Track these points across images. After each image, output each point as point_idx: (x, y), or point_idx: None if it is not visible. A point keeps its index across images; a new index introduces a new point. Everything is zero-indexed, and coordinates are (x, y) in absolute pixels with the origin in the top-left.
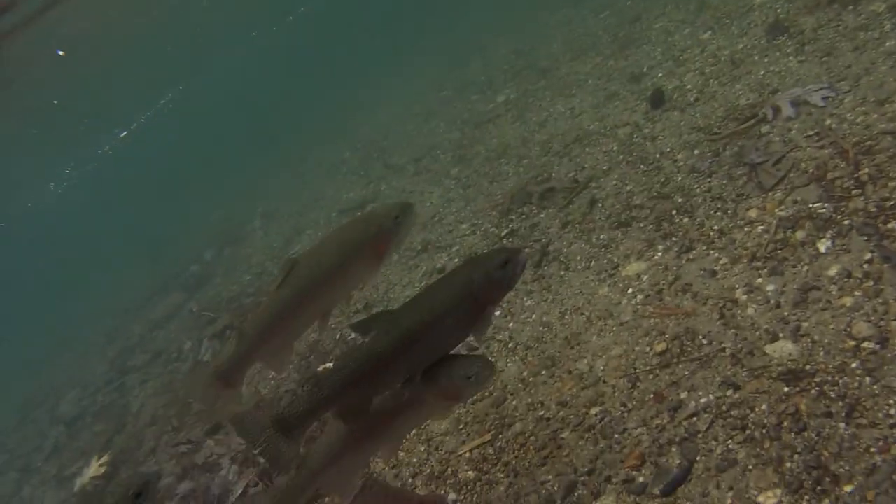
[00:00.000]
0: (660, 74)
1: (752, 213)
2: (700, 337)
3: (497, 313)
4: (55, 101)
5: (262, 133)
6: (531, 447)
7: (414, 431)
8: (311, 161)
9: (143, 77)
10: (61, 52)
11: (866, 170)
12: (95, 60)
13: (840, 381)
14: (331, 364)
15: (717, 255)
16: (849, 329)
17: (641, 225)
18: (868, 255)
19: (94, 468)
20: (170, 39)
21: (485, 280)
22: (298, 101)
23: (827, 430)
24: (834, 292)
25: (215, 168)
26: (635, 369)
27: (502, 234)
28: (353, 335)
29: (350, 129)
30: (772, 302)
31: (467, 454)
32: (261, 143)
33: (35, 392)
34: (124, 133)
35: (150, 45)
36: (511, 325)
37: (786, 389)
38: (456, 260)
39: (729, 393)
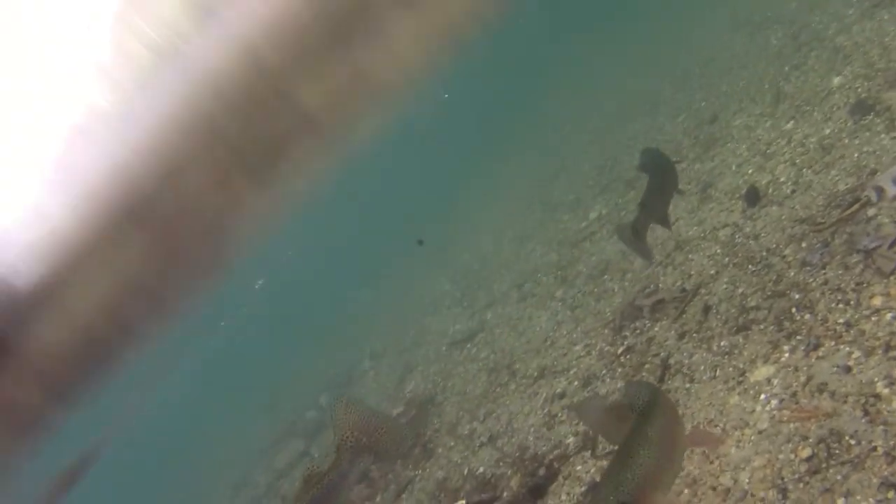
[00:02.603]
0: (750, 171)
1: (877, 301)
2: (847, 437)
3: None
4: None
5: (358, 277)
6: None
7: None
8: (411, 296)
9: None
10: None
11: None
12: None
13: None
14: None
15: (847, 349)
16: None
17: (762, 327)
18: None
19: None
20: None
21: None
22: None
23: None
24: None
25: (317, 316)
26: (783, 479)
27: (618, 351)
28: None
29: (446, 259)
30: None
31: None
32: (357, 286)
33: None
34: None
35: None
36: None
37: None
38: (575, 383)
39: (890, 495)
